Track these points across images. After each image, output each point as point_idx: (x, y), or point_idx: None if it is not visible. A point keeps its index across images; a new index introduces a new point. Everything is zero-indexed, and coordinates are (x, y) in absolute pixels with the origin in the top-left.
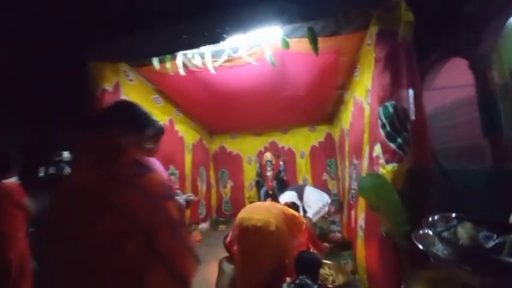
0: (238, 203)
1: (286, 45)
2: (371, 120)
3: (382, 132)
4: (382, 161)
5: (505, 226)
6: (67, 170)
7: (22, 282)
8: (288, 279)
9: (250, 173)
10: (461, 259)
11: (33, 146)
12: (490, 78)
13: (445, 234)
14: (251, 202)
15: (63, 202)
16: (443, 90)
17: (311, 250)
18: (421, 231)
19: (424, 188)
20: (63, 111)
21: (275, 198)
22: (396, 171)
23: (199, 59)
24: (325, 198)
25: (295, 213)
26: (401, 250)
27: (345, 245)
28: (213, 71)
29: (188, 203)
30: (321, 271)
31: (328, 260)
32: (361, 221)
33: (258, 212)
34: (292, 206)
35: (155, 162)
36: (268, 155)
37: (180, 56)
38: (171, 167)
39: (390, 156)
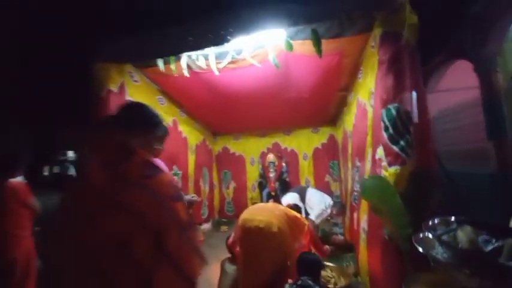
0: (240, 204)
1: (290, 47)
2: (374, 123)
3: (385, 134)
4: (384, 163)
5: (504, 230)
6: (71, 169)
7: (27, 281)
8: (290, 281)
9: (252, 174)
10: (460, 262)
11: (39, 146)
12: (494, 81)
13: (444, 237)
14: (253, 203)
15: (72, 202)
16: (447, 93)
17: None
18: (421, 235)
19: (427, 191)
20: (69, 111)
21: (277, 200)
22: (399, 174)
23: (203, 61)
24: (327, 200)
25: (298, 214)
26: (403, 253)
27: (347, 248)
28: (217, 73)
29: (191, 203)
30: (323, 273)
31: (331, 262)
32: (363, 224)
33: (260, 213)
34: (295, 207)
35: (160, 163)
36: (271, 157)
37: (184, 58)
38: (175, 168)
39: (393, 158)
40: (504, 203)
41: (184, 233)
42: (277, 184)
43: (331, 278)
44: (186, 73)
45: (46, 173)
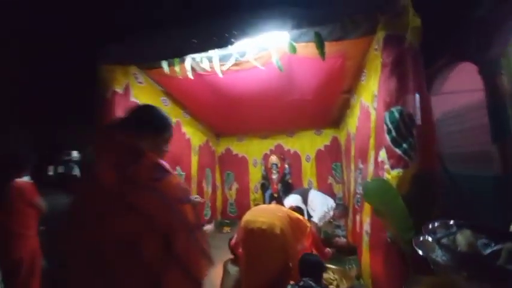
0: (243, 206)
1: (293, 50)
2: (377, 125)
3: (387, 137)
4: (387, 166)
5: (503, 234)
6: (76, 169)
7: (32, 279)
8: (292, 282)
9: (255, 175)
10: (459, 265)
11: (44, 146)
12: (499, 83)
13: (444, 240)
14: (256, 205)
15: (82, 202)
16: (452, 95)
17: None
18: (421, 238)
19: (430, 194)
20: (74, 112)
21: (280, 201)
22: (401, 177)
23: (207, 63)
24: (330, 202)
25: (300, 216)
26: (405, 255)
27: (350, 250)
28: (220, 75)
29: (194, 204)
30: (326, 276)
31: (333, 264)
32: (366, 226)
33: (263, 214)
34: (297, 210)
35: (164, 164)
36: (273, 158)
37: (188, 60)
38: (178, 169)
39: (395, 161)
40: (508, 206)
41: (192, 235)
42: (279, 186)
43: (333, 280)
44: (190, 75)
45: (51, 173)
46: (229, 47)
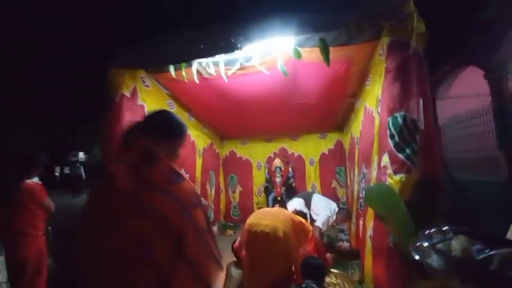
0: (246, 208)
1: (298, 55)
2: (380, 130)
3: (390, 142)
4: (390, 171)
5: (498, 240)
6: (81, 170)
7: (38, 279)
8: (294, 285)
9: (259, 178)
10: (453, 270)
11: (50, 147)
12: (505, 88)
13: (439, 246)
14: (259, 208)
15: (98, 202)
16: (458, 99)
17: None
18: (418, 243)
19: (433, 199)
20: (82, 114)
21: (283, 205)
22: (404, 182)
23: (213, 67)
24: (333, 206)
25: (303, 220)
26: (407, 261)
27: (353, 255)
28: (226, 79)
29: (205, 210)
30: (328, 280)
31: (336, 269)
32: (370, 231)
33: (266, 217)
34: (300, 213)
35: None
36: (277, 161)
37: (195, 64)
38: (182, 171)
39: (398, 166)
40: None
41: (203, 239)
42: (283, 189)
43: (336, 284)
44: (196, 79)
45: (57, 174)
46: (236, 52)
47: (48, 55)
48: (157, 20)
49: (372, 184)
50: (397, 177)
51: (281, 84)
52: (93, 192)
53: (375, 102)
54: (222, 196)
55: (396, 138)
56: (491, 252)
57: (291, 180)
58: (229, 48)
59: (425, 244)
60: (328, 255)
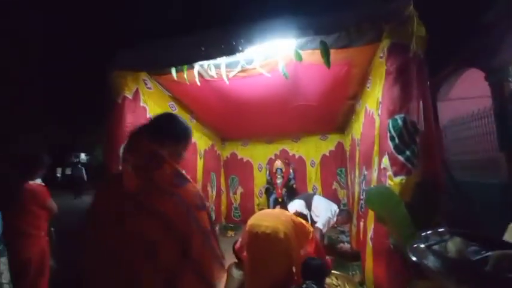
0: (247, 210)
1: (299, 58)
2: (380, 132)
3: (390, 144)
4: (390, 173)
5: (494, 242)
6: (83, 171)
7: (41, 279)
8: (294, 285)
9: (260, 180)
10: (448, 270)
11: (53, 147)
12: (506, 90)
13: (435, 247)
14: (260, 209)
15: (104, 203)
16: (460, 101)
17: None
18: (415, 245)
19: (433, 201)
20: (85, 115)
21: (284, 206)
22: (404, 184)
23: (214, 70)
24: (334, 207)
25: (303, 221)
26: (408, 262)
27: (354, 256)
28: (227, 82)
29: (210, 212)
30: (329, 281)
31: (337, 270)
32: (370, 232)
33: (267, 219)
34: (301, 215)
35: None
36: (278, 163)
37: (196, 67)
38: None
39: (398, 168)
40: None
41: (207, 241)
42: (284, 190)
43: (336, 286)
44: (197, 81)
45: (58, 175)
46: (237, 54)
47: (49, 55)
48: (159, 22)
49: (372, 186)
50: (397, 179)
51: (282, 86)
52: (98, 194)
53: (375, 104)
54: (223, 197)
55: (396, 140)
56: (487, 254)
57: (292, 181)
58: (231, 50)
59: (422, 245)
60: (328, 258)
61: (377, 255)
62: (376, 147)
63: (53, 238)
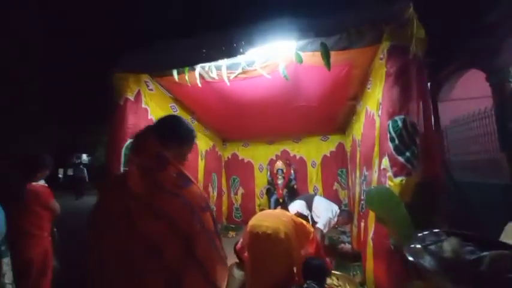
0: (248, 210)
1: (300, 59)
2: (380, 133)
3: (390, 145)
4: (390, 173)
5: (490, 242)
6: (85, 172)
7: (43, 279)
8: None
9: (261, 180)
10: (444, 270)
11: (55, 148)
12: (507, 90)
13: (432, 247)
14: (261, 210)
15: (108, 205)
16: (461, 101)
17: None
18: (412, 245)
19: (433, 201)
20: (86, 115)
21: (285, 207)
22: (404, 185)
23: (215, 71)
24: (334, 208)
25: (304, 222)
26: (407, 262)
27: (355, 256)
28: (228, 83)
29: (213, 213)
30: (330, 281)
31: (338, 271)
32: (371, 233)
33: (268, 219)
34: (302, 216)
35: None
36: (279, 164)
37: (198, 68)
38: None
39: (398, 169)
40: None
41: (211, 241)
42: (285, 191)
43: (337, 286)
44: (199, 83)
45: (60, 176)
46: (238, 56)
47: (49, 55)
48: (160, 23)
49: (372, 186)
50: (397, 179)
51: (283, 88)
52: (103, 194)
53: (376, 105)
54: (224, 198)
55: (396, 141)
56: (482, 254)
57: (293, 182)
58: (232, 52)
59: (419, 246)
60: (328, 259)
61: (378, 256)
62: (376, 148)
63: (55, 238)
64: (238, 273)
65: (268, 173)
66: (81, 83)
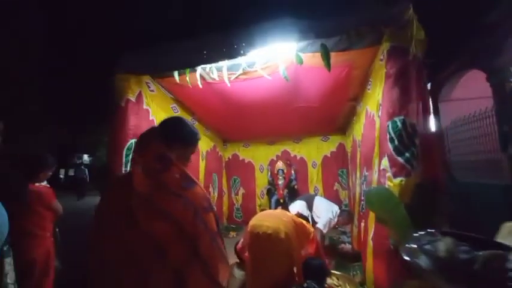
0: (249, 211)
1: (300, 61)
2: (380, 134)
3: (390, 146)
4: (389, 174)
5: (484, 242)
6: (86, 173)
7: (45, 280)
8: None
9: (261, 181)
10: (438, 269)
11: (58, 149)
12: (508, 91)
13: (427, 247)
14: (262, 210)
15: (112, 205)
16: (462, 102)
17: None
18: (408, 245)
19: (433, 202)
20: (86, 115)
21: (286, 207)
22: (404, 185)
23: (216, 72)
24: (335, 208)
25: (304, 222)
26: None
27: (355, 257)
28: (228, 84)
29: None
30: (330, 281)
31: (338, 271)
32: (371, 233)
33: (268, 219)
34: (302, 216)
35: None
36: (280, 164)
37: (198, 70)
38: None
39: (398, 170)
40: None
41: (215, 242)
42: (285, 191)
43: (337, 286)
44: (200, 84)
45: (61, 176)
46: (239, 57)
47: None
48: (160, 23)
49: (372, 187)
50: (397, 180)
51: (283, 89)
52: (107, 194)
53: (376, 105)
54: (225, 198)
55: (396, 142)
56: (476, 254)
57: (294, 182)
58: (232, 54)
59: (414, 245)
60: (327, 260)
61: (378, 256)
62: (376, 149)
63: (58, 239)
64: (238, 273)
65: (269, 173)
66: (82, 83)
